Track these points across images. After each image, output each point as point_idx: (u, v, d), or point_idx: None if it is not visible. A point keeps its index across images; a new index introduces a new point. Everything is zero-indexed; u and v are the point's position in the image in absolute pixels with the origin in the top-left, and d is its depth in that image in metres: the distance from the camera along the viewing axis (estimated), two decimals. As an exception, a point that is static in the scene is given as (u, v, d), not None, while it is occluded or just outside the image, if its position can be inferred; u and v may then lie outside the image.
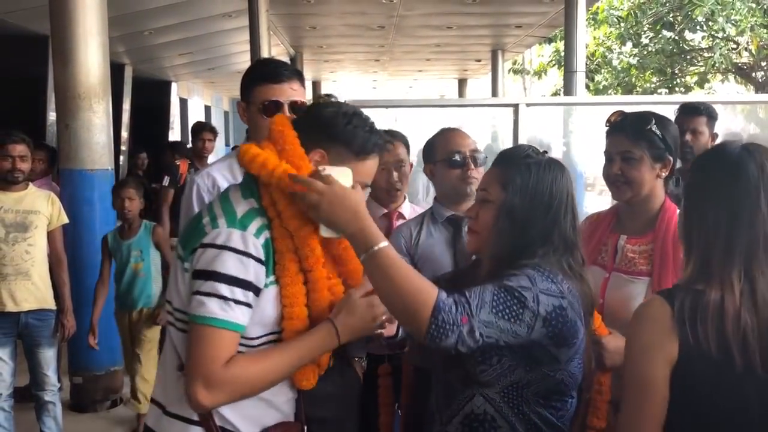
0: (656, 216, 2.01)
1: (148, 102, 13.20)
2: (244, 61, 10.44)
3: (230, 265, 1.35)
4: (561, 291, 1.53)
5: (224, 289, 1.34)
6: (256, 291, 1.40)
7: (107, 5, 4.57)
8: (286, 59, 12.44)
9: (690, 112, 3.39)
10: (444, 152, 2.43)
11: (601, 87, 14.72)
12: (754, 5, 11.36)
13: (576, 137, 5.10)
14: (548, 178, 1.61)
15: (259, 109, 2.00)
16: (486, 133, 5.02)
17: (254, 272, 1.38)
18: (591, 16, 12.95)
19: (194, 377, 1.33)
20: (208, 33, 10.65)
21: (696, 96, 13.14)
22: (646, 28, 13.42)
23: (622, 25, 13.21)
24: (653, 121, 1.96)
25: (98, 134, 4.46)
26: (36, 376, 3.73)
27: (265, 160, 1.43)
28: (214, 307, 1.34)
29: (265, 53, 8.45)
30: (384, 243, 1.42)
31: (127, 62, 11.65)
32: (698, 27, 12.88)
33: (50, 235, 3.75)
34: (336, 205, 1.40)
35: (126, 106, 11.85)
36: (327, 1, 8.88)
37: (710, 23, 12.17)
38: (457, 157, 2.39)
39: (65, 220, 3.85)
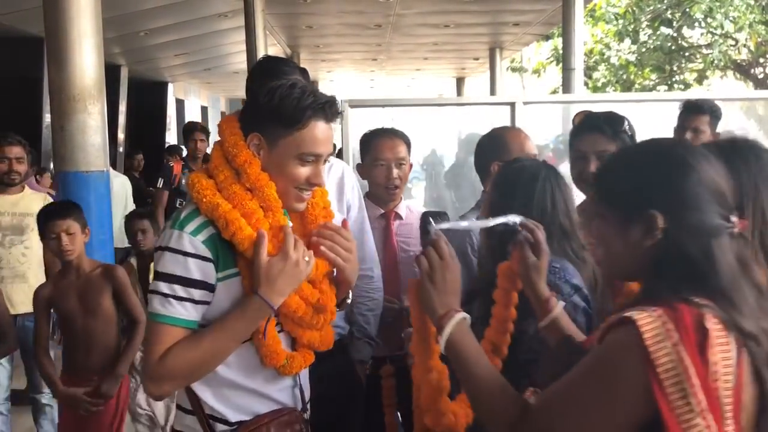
0: None
1: (144, 103, 13.17)
2: (241, 62, 10.40)
3: (168, 263, 1.44)
4: None
5: (164, 286, 1.43)
6: (205, 286, 1.46)
7: (102, 6, 4.54)
8: (269, 55, 12.36)
9: (693, 110, 3.33)
10: None
11: (600, 84, 14.72)
12: (752, 2, 11.35)
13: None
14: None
15: None
16: (484, 131, 4.98)
17: (196, 269, 1.44)
18: (589, 13, 12.94)
19: (143, 370, 1.48)
20: (204, 33, 10.62)
21: (695, 93, 13.13)
22: (644, 25, 13.41)
23: (620, 22, 13.19)
24: (626, 122, 1.96)
25: (93, 136, 4.41)
26: (33, 379, 3.71)
27: (200, 194, 1.48)
28: (155, 304, 1.44)
29: (261, 53, 8.42)
30: None
31: (123, 63, 11.62)
32: (696, 24, 12.87)
33: None
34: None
35: (122, 107, 11.82)
36: (323, 0, 8.85)
37: (708, 20, 12.16)
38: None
39: None
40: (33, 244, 3.64)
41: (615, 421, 1.09)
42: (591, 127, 1.98)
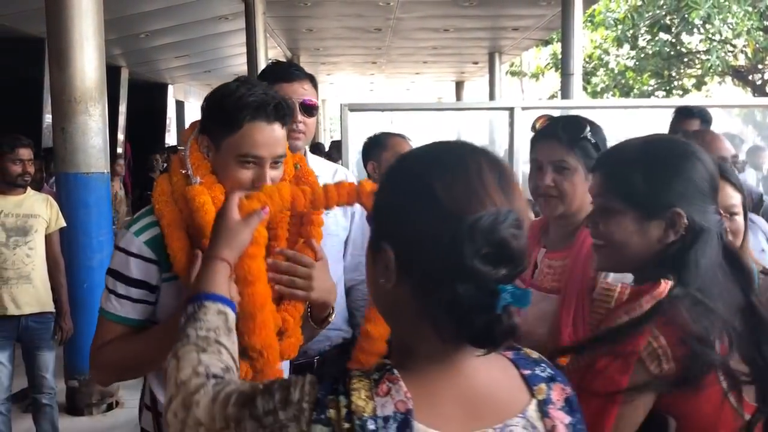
0: (577, 229, 1.78)
1: (144, 105, 13.18)
2: (241, 64, 10.43)
3: (115, 261, 1.48)
4: None
5: (109, 281, 1.47)
6: (146, 286, 1.46)
7: (103, 8, 4.56)
8: (280, 60, 12.41)
9: (684, 115, 3.43)
10: None
11: (598, 89, 14.76)
12: (750, 9, 11.39)
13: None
14: None
15: None
16: (483, 136, 5.02)
17: (137, 269, 1.45)
18: (588, 19, 12.98)
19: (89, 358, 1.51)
20: (204, 36, 10.64)
21: (693, 99, 13.17)
22: (643, 31, 13.44)
23: (619, 27, 13.23)
24: (588, 128, 1.73)
25: (94, 138, 4.44)
26: (34, 379, 3.72)
27: (154, 199, 1.49)
28: (102, 298, 1.49)
29: (261, 56, 8.45)
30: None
31: (124, 65, 11.63)
32: (695, 30, 12.91)
33: (48, 238, 3.76)
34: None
35: (122, 108, 11.83)
36: (324, 3, 8.88)
37: (707, 26, 12.20)
38: None
39: (63, 223, 3.85)
40: (37, 245, 3.67)
41: None
42: (546, 135, 1.78)
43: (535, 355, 0.97)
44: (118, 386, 4.69)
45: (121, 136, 11.70)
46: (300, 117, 1.96)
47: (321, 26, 10.35)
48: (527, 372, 0.92)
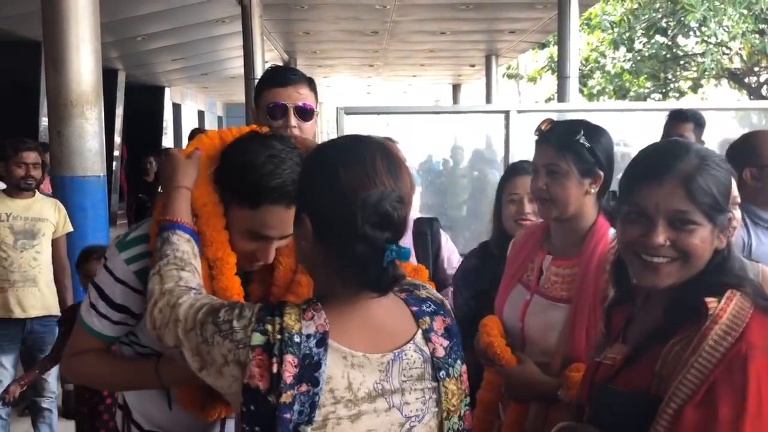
0: (585, 236, 1.79)
1: (141, 107, 13.19)
2: (238, 66, 10.44)
3: (101, 278, 1.45)
4: None
5: (92, 294, 1.46)
6: (128, 312, 1.43)
7: (99, 11, 4.56)
8: (279, 64, 12.43)
9: (677, 118, 3.46)
10: None
11: (595, 92, 14.78)
12: (745, 12, 11.42)
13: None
14: None
15: (265, 113, 2.00)
16: (480, 139, 5.02)
17: (120, 295, 1.42)
18: (584, 22, 13.00)
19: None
20: (201, 38, 10.65)
21: (689, 101, 13.20)
22: (639, 34, 13.47)
23: (616, 30, 13.26)
24: (582, 132, 1.73)
25: (90, 141, 4.44)
26: (36, 382, 3.71)
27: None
28: (83, 306, 1.48)
29: (258, 58, 8.45)
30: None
31: (120, 68, 11.64)
32: (691, 32, 12.94)
33: (55, 242, 3.75)
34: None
35: (119, 111, 11.84)
36: (320, 6, 8.89)
37: (703, 29, 12.23)
38: None
39: (70, 228, 3.85)
40: (44, 249, 3.67)
41: None
42: (541, 139, 1.81)
43: (423, 294, 1.22)
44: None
45: (118, 139, 11.71)
46: (294, 122, 1.94)
47: (318, 29, 10.35)
48: (415, 308, 1.18)
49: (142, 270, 1.38)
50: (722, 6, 11.42)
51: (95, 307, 1.43)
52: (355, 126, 4.09)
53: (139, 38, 9.90)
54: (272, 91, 2.00)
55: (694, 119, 3.43)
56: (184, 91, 17.02)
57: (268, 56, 9.58)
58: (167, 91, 15.10)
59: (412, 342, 1.14)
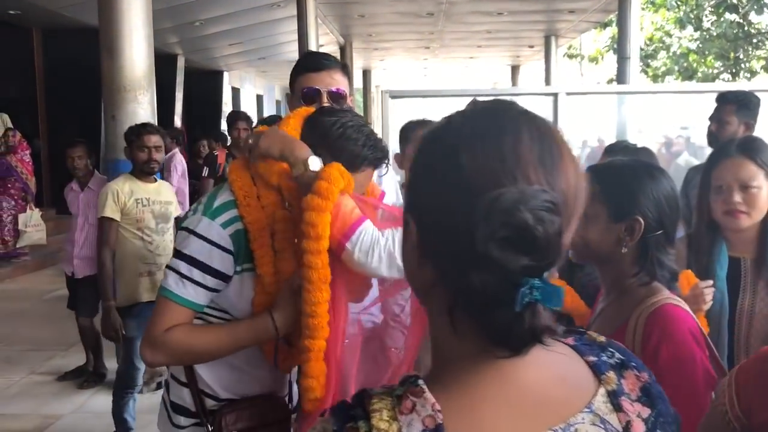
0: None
1: (200, 92, 13.44)
2: (294, 50, 10.49)
3: (194, 248, 1.48)
4: None
5: (183, 267, 1.47)
6: (222, 277, 1.50)
7: (154, -3, 4.65)
8: (335, 48, 12.45)
9: (719, 100, 3.31)
10: None
11: (660, 73, 14.28)
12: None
13: (631, 126, 4.91)
14: None
15: (299, 97, 2.00)
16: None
17: (218, 260, 1.48)
18: (649, 0, 12.54)
19: (143, 337, 1.52)
20: (257, 23, 10.75)
21: (762, 81, 12.59)
22: (707, 11, 12.91)
23: (682, 8, 12.74)
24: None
25: (143, 125, 4.54)
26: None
27: (243, 200, 1.53)
28: (170, 281, 1.49)
29: (313, 42, 8.48)
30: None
31: (180, 53, 11.88)
32: (765, 9, 12.32)
33: None
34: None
35: (179, 95, 12.09)
36: (375, -11, 8.86)
37: (777, 5, 11.63)
38: None
39: (180, 212, 3.90)
40: (172, 232, 3.72)
41: None
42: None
43: (602, 338, 0.81)
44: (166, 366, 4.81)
45: (178, 122, 11.97)
46: None
47: (373, 12, 10.31)
48: (592, 359, 0.77)
49: (235, 233, 1.48)
50: (799, -20, 10.83)
51: (189, 278, 1.47)
52: (401, 110, 4.04)
53: (197, 23, 10.06)
54: (306, 76, 2.02)
55: (737, 100, 3.24)
56: (243, 75, 17.25)
57: (323, 40, 9.61)
58: (226, 75, 15.32)
59: (587, 410, 0.73)
